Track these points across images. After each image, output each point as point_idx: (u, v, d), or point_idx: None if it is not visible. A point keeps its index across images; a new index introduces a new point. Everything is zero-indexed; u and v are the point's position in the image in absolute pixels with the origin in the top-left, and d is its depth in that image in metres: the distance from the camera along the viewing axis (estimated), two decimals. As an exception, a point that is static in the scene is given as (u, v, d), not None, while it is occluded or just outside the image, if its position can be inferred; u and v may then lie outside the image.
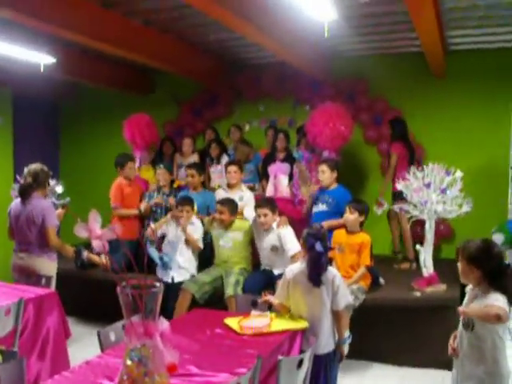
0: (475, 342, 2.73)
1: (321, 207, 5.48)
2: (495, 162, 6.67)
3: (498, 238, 5.92)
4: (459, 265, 2.84)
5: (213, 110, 8.17)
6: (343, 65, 7.35)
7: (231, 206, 5.31)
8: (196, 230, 5.37)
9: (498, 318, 2.52)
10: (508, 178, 6.40)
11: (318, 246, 3.36)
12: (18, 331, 3.75)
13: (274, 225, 5.11)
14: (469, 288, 2.88)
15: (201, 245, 5.38)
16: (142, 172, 6.98)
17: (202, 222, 5.53)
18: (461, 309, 2.73)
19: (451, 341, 2.98)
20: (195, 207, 5.51)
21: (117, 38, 5.61)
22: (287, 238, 4.97)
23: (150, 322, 2.32)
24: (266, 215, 5.05)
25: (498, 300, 2.60)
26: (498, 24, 5.77)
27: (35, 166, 4.79)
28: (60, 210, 5.37)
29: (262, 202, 5.29)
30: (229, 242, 5.31)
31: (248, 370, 2.50)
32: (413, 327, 4.58)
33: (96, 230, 2.36)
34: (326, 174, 5.50)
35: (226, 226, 5.32)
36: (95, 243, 2.35)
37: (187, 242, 5.27)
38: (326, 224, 5.09)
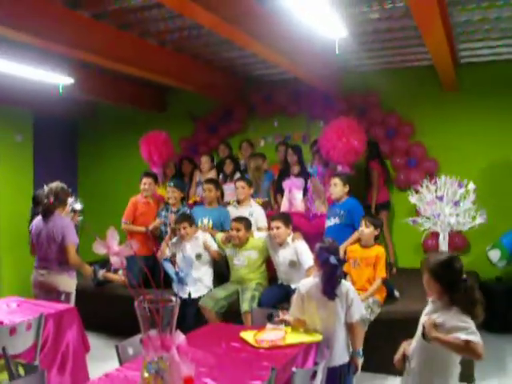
0: (430, 353, 2.70)
1: (333, 221, 5.51)
2: (509, 174, 6.66)
3: (495, 255, 5.93)
4: (423, 276, 2.81)
5: (227, 126, 8.28)
6: (355, 80, 7.42)
7: (246, 222, 5.36)
8: (200, 244, 5.40)
9: (478, 357, 2.54)
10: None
11: (333, 260, 3.41)
12: (39, 345, 3.84)
13: (289, 240, 5.15)
14: (430, 300, 2.84)
15: (220, 250, 5.44)
16: (159, 190, 7.06)
17: (214, 238, 5.58)
18: (433, 335, 2.62)
19: (402, 349, 2.93)
20: (206, 224, 5.58)
21: (132, 57, 5.75)
22: (303, 251, 5.01)
23: (166, 335, 2.39)
24: (278, 228, 5.09)
25: (470, 330, 2.56)
26: (508, 36, 5.80)
27: (56, 185, 4.88)
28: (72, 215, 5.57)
29: (275, 215, 5.37)
30: (243, 261, 5.33)
31: (262, 382, 2.55)
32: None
33: (114, 247, 2.44)
34: (338, 188, 5.54)
35: (241, 244, 5.34)
36: (113, 260, 2.43)
37: (198, 257, 5.31)
38: (346, 244, 5.14)
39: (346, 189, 5.57)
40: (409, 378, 2.82)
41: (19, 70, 5.59)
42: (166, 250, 5.51)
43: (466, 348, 2.56)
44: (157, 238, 6.24)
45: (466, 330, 2.58)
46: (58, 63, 5.89)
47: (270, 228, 5.28)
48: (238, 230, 5.29)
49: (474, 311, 2.66)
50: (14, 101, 7.41)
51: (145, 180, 6.30)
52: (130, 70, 5.99)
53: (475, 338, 2.55)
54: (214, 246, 5.42)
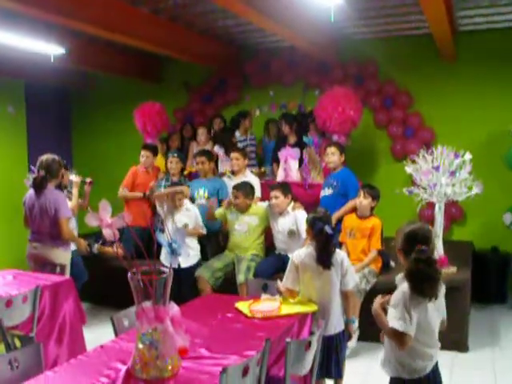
0: None
1: (327, 191, 5.52)
2: (506, 144, 6.63)
3: (508, 218, 5.97)
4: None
5: (222, 96, 8.20)
6: (352, 48, 7.33)
7: (245, 189, 5.37)
8: (192, 216, 5.45)
9: (400, 346, 2.45)
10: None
11: (328, 229, 3.41)
12: (36, 318, 3.86)
13: (290, 208, 5.18)
14: (399, 276, 2.64)
15: (204, 231, 5.49)
16: (158, 161, 7.02)
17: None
18: (375, 312, 2.61)
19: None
20: (202, 194, 5.58)
21: (125, 26, 5.64)
22: (302, 220, 5.01)
23: (160, 306, 2.39)
24: (277, 197, 5.13)
25: (398, 315, 2.43)
26: (508, 3, 5.71)
27: (47, 157, 4.84)
28: (86, 187, 5.77)
29: (274, 185, 5.39)
30: (244, 226, 5.37)
31: (257, 353, 2.56)
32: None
33: (106, 219, 2.42)
34: (335, 156, 5.53)
35: (243, 209, 5.37)
36: (106, 232, 2.42)
37: (185, 226, 5.31)
38: (338, 213, 5.15)
39: (343, 158, 5.58)
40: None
41: (10, 39, 5.48)
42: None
43: (391, 335, 2.49)
44: (154, 207, 6.24)
45: (395, 313, 2.47)
46: (49, 32, 5.79)
47: (269, 197, 5.28)
48: (235, 197, 5.33)
49: (421, 287, 2.45)
50: (6, 71, 7.32)
51: (143, 153, 6.36)
52: (122, 40, 5.90)
53: (400, 325, 2.42)
54: (197, 223, 5.46)
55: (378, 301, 2.63)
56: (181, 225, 5.33)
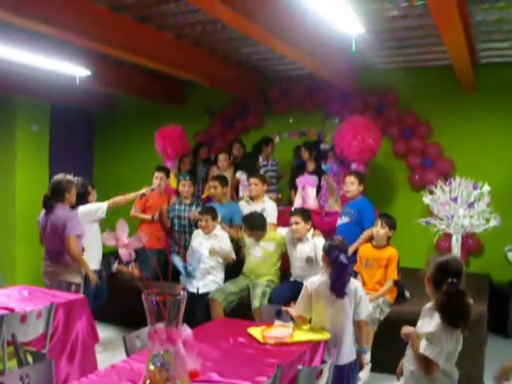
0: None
1: (344, 220, 5.51)
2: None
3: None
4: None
5: (243, 122, 8.28)
6: (372, 77, 7.37)
7: (257, 220, 5.42)
8: (222, 240, 5.44)
9: (427, 374, 2.49)
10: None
11: (343, 258, 3.41)
12: (49, 334, 3.88)
13: (309, 235, 5.18)
14: (427, 306, 2.71)
15: (233, 255, 5.47)
16: (172, 183, 7.09)
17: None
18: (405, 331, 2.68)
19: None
20: (219, 218, 5.60)
21: (150, 50, 5.75)
22: (321, 248, 5.01)
23: (173, 328, 2.39)
24: (297, 223, 5.13)
25: (429, 343, 2.48)
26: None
27: (56, 178, 4.93)
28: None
29: (295, 210, 5.40)
30: (259, 252, 5.38)
31: (268, 379, 2.55)
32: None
33: (123, 239, 2.45)
34: (354, 186, 5.52)
35: (259, 237, 5.39)
36: (122, 252, 2.44)
37: (211, 252, 5.32)
38: (355, 245, 5.11)
39: (361, 188, 5.56)
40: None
41: (37, 60, 5.63)
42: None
43: (421, 361, 2.52)
44: (168, 230, 6.28)
45: (428, 340, 2.50)
46: (75, 55, 5.92)
47: (286, 224, 5.30)
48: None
49: (452, 319, 2.50)
50: (32, 92, 7.46)
51: (156, 174, 6.41)
52: (147, 63, 6.00)
53: (431, 353, 2.46)
54: (225, 247, 5.43)
55: (409, 328, 2.68)
56: (206, 249, 5.31)
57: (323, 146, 7.19)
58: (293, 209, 5.85)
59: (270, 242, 5.40)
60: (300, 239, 5.19)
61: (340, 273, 3.43)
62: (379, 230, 4.91)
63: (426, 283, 2.69)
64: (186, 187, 6.23)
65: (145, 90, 7.90)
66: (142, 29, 5.57)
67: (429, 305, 2.64)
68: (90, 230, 5.23)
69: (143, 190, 6.14)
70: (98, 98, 8.67)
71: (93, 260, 5.26)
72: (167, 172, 6.54)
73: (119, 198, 5.79)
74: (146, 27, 5.62)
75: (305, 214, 5.24)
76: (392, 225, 4.94)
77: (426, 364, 2.50)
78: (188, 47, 6.36)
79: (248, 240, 5.47)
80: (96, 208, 5.45)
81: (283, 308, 3.76)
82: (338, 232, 5.41)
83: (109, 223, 2.83)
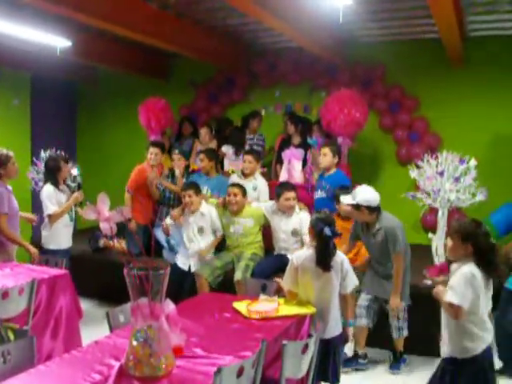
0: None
1: (320, 194, 5.47)
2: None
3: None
4: (449, 241, 2.93)
5: (228, 95, 8.17)
6: (360, 51, 7.28)
7: (242, 188, 5.36)
8: (216, 217, 5.39)
9: (455, 318, 2.77)
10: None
11: (327, 231, 3.37)
12: (31, 311, 3.83)
13: (298, 209, 5.19)
14: (454, 266, 2.94)
15: (220, 233, 5.43)
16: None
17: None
18: (435, 290, 2.93)
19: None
20: (205, 192, 5.55)
21: (133, 22, 5.60)
22: (307, 222, 4.97)
23: (156, 304, 2.36)
24: (294, 199, 5.13)
25: (457, 290, 2.75)
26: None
27: None
28: (76, 194, 5.34)
29: (289, 186, 5.31)
30: (239, 229, 5.34)
31: (253, 354, 2.52)
32: (423, 315, 4.57)
33: (104, 213, 2.39)
34: (327, 157, 5.46)
35: (237, 211, 5.34)
36: (103, 226, 2.38)
37: (200, 230, 5.31)
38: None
39: (336, 160, 5.50)
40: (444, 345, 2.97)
41: (16, 30, 5.46)
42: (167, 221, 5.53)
43: (447, 308, 2.81)
44: (158, 203, 6.21)
45: (453, 289, 2.78)
46: (56, 25, 5.75)
47: (278, 197, 5.23)
48: (235, 195, 5.29)
49: (497, 271, 2.87)
50: (12, 63, 7.30)
51: (152, 150, 6.17)
52: (129, 35, 5.85)
53: (455, 299, 2.74)
54: (215, 225, 5.40)
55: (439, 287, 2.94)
56: (196, 228, 5.30)
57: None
58: (279, 183, 5.79)
59: (249, 218, 5.35)
60: (291, 213, 5.18)
61: (325, 246, 3.40)
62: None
63: (461, 245, 2.88)
64: (175, 161, 6.23)
65: (127, 62, 7.74)
66: (124, -1, 5.43)
67: (456, 264, 2.90)
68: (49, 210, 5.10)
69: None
70: (80, 69, 8.49)
71: (62, 239, 5.20)
72: (162, 147, 6.38)
73: (59, 211, 5.15)
74: (129, -3, 5.48)
75: (295, 188, 5.24)
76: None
77: (452, 309, 2.76)
78: (172, 18, 6.21)
79: (225, 220, 5.41)
80: (45, 204, 5.12)
81: (276, 279, 3.74)
82: (315, 206, 5.38)
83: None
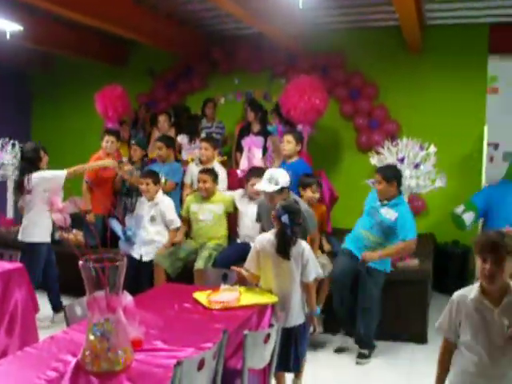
0: None
1: None
2: (470, 138, 6.70)
3: (469, 217, 5.93)
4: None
5: (187, 83, 8.06)
6: (320, 38, 7.25)
7: (212, 174, 5.29)
8: (167, 209, 5.31)
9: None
10: (482, 153, 6.44)
11: (285, 218, 3.34)
12: (-16, 306, 3.70)
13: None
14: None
15: (177, 224, 5.34)
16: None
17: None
18: None
19: None
20: (162, 180, 5.48)
21: (88, 6, 5.44)
22: None
23: (113, 296, 2.28)
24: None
25: None
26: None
27: None
28: None
29: (257, 171, 5.22)
30: (209, 215, 5.27)
31: (214, 345, 2.48)
32: (385, 301, 4.61)
33: (57, 203, 2.30)
34: (290, 145, 5.42)
35: (208, 197, 5.28)
36: (56, 217, 2.29)
37: (152, 219, 5.24)
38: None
39: (299, 147, 5.48)
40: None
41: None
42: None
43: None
44: (117, 195, 6.10)
45: None
46: (4, 8, 5.54)
47: (245, 183, 5.22)
48: (204, 181, 5.22)
49: None
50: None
51: (107, 138, 5.98)
52: (82, 19, 5.69)
53: None
54: (169, 216, 5.31)
55: None
56: (149, 216, 5.23)
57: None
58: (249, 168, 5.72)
59: (219, 204, 5.31)
60: (253, 199, 5.15)
61: (282, 233, 3.37)
62: (315, 195, 4.88)
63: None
64: (133, 151, 6.19)
65: (83, 48, 7.53)
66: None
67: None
68: (42, 200, 4.90)
69: (108, 163, 5.72)
70: (33, 55, 8.22)
71: (44, 232, 5.04)
72: (117, 135, 6.22)
73: (79, 167, 5.42)
74: (83, -19, 5.30)
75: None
76: (320, 185, 5.01)
77: None
78: (128, 2, 6.06)
79: (193, 207, 5.34)
80: (52, 175, 5.00)
81: (232, 267, 3.69)
82: None
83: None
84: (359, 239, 4.56)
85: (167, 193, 5.58)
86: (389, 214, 4.38)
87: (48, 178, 4.92)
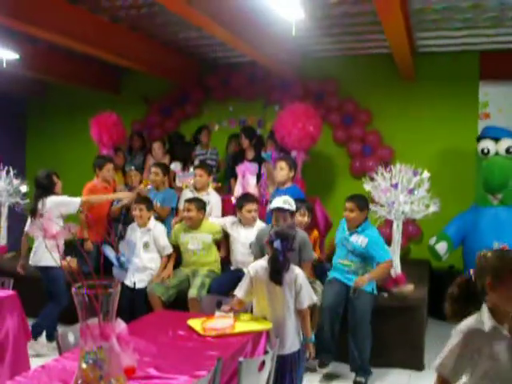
0: None
1: None
2: (462, 164, 6.74)
3: (442, 247, 5.99)
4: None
5: (182, 110, 8.11)
6: (313, 65, 7.35)
7: (198, 203, 5.27)
8: (160, 235, 5.32)
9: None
10: (473, 179, 6.46)
11: (277, 244, 3.34)
12: (-25, 334, 3.64)
13: (259, 222, 5.21)
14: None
15: (169, 250, 5.33)
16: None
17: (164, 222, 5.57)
18: None
19: None
20: (156, 205, 5.49)
21: (83, 34, 5.49)
22: None
23: (106, 323, 2.25)
24: (256, 211, 5.13)
25: None
26: (465, 27, 5.83)
27: None
28: None
29: (251, 198, 5.29)
30: (198, 245, 5.24)
31: (208, 372, 2.45)
32: (380, 327, 4.58)
33: (51, 229, 2.29)
34: (284, 171, 5.47)
35: (195, 226, 5.24)
36: (49, 244, 2.28)
37: (145, 246, 5.24)
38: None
39: (292, 174, 5.51)
40: None
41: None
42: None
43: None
44: (114, 221, 6.07)
45: None
46: (2, 37, 5.58)
47: (239, 209, 5.21)
48: (188, 210, 5.22)
49: None
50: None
51: (108, 166, 5.97)
52: (80, 48, 5.74)
53: None
54: (161, 242, 5.32)
55: None
56: (142, 243, 5.22)
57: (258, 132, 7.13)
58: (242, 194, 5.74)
59: (207, 234, 5.27)
60: (245, 225, 5.16)
61: (274, 259, 3.37)
62: (304, 218, 4.97)
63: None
64: (132, 177, 6.27)
65: (78, 76, 7.59)
66: (74, 10, 5.31)
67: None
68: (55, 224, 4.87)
69: (123, 195, 5.90)
70: (28, 82, 8.27)
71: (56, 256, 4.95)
72: (115, 163, 6.28)
73: (96, 198, 5.48)
74: (80, 8, 5.37)
75: (257, 201, 5.30)
76: (310, 209, 5.10)
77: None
78: (124, 31, 6.14)
79: (182, 236, 5.31)
80: (68, 201, 5.06)
81: (222, 308, 3.65)
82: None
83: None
84: (340, 269, 4.69)
85: (162, 219, 5.59)
86: (359, 239, 4.58)
87: (64, 203, 4.99)
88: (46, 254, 4.88)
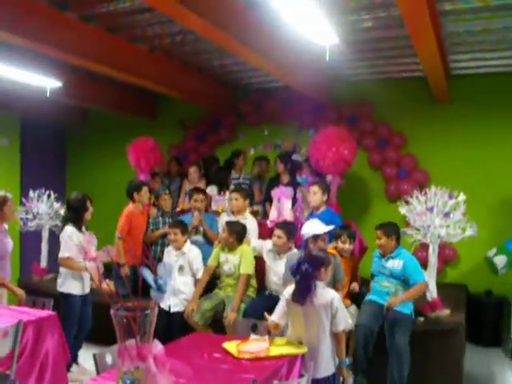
0: None
1: None
2: (500, 186, 6.65)
3: (501, 260, 5.85)
4: None
5: (216, 135, 8.25)
6: (346, 89, 7.39)
7: (234, 226, 5.31)
8: (195, 258, 5.35)
9: None
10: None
11: (304, 266, 3.37)
12: (16, 354, 3.72)
13: (295, 251, 5.10)
14: None
15: (199, 275, 5.33)
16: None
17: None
18: None
19: None
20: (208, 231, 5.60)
21: (122, 62, 5.68)
22: None
23: (143, 344, 2.30)
24: (279, 237, 5.06)
25: None
26: (499, 48, 5.78)
27: None
28: None
29: (280, 223, 5.30)
30: (231, 267, 5.27)
31: (243, 395, 2.47)
32: (417, 353, 4.51)
33: (91, 252, 2.36)
34: (317, 196, 5.49)
35: (231, 248, 5.28)
36: (89, 265, 2.35)
37: (180, 269, 5.28)
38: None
39: (325, 198, 5.53)
40: None
41: (6, 71, 5.50)
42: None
43: None
44: (151, 245, 6.16)
45: None
46: (45, 66, 5.81)
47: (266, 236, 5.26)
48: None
49: None
50: (2, 104, 7.33)
51: (145, 189, 6.02)
52: (118, 75, 5.92)
53: None
54: (195, 265, 5.35)
55: None
56: (177, 266, 5.26)
57: (295, 157, 7.15)
58: (269, 221, 5.78)
59: (237, 256, 5.27)
60: (280, 254, 5.12)
61: (299, 280, 3.41)
62: (345, 245, 4.99)
63: None
64: (167, 201, 6.28)
65: (117, 102, 7.82)
66: (113, 39, 5.50)
67: None
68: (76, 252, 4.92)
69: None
70: (69, 110, 8.55)
71: (77, 284, 4.90)
72: (150, 188, 6.35)
73: (70, 264, 4.77)
74: (118, 38, 5.55)
75: (288, 228, 5.14)
76: (353, 237, 5.09)
77: None
78: (160, 59, 6.30)
79: (221, 257, 5.34)
80: (64, 245, 4.74)
81: (265, 314, 3.68)
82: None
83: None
84: (379, 291, 4.72)
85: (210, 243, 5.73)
86: (395, 263, 4.68)
87: (62, 241, 4.83)
88: (67, 281, 4.93)
